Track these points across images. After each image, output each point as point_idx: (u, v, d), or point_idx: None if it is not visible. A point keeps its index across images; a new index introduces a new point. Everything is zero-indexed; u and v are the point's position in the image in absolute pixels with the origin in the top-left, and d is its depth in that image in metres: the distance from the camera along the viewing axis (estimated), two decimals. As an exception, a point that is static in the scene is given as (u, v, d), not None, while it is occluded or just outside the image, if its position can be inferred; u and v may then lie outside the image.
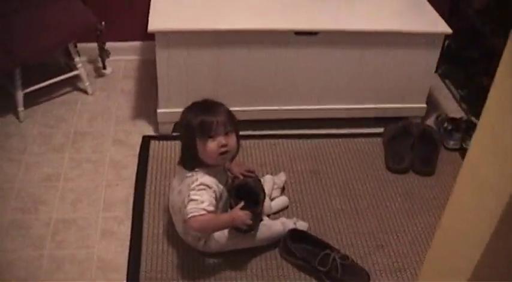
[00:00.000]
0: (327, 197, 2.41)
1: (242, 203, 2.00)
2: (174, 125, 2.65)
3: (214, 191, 1.95)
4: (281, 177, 2.39)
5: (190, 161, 2.01)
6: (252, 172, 2.24)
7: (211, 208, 1.91)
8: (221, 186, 2.02)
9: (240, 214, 1.95)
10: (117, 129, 2.74)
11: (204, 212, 1.88)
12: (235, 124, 2.02)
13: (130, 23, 3.09)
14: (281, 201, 2.34)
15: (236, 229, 2.03)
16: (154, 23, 2.37)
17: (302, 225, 2.22)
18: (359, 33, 2.48)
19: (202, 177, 1.96)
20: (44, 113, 2.81)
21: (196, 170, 1.99)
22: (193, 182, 1.95)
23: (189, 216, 1.89)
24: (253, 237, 2.08)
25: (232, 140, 2.00)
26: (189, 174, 2.00)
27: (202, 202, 1.89)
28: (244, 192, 2.08)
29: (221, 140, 1.95)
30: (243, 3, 2.57)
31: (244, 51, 2.46)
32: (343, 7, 2.62)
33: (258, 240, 2.10)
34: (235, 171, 2.21)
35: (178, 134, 2.05)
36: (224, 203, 2.07)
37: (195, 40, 2.41)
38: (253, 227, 2.04)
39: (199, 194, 1.91)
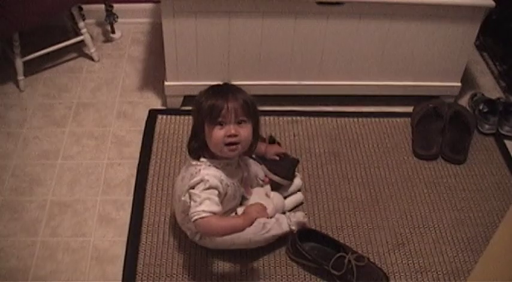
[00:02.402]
0: (345, 185, 2.20)
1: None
2: (184, 98, 2.46)
3: (217, 188, 1.74)
4: (297, 183, 2.16)
5: (197, 148, 1.79)
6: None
7: (215, 208, 1.70)
8: (230, 182, 1.80)
9: (253, 212, 1.76)
10: (123, 100, 2.54)
11: (205, 215, 1.68)
12: (253, 115, 1.77)
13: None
14: (295, 198, 2.12)
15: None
16: (159, -12, 2.15)
17: (298, 216, 1.98)
18: (388, 3, 2.20)
19: (205, 169, 1.75)
20: (46, 82, 2.62)
21: (202, 159, 1.78)
22: (196, 173, 1.75)
23: (192, 219, 1.70)
24: (248, 238, 1.87)
25: (245, 131, 1.74)
26: (194, 162, 1.80)
27: (200, 203, 1.68)
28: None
29: (230, 128, 1.71)
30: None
31: (258, 20, 2.22)
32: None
33: (254, 241, 1.89)
34: (270, 155, 2.09)
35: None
36: (232, 198, 1.86)
37: (204, 8, 2.17)
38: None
39: (198, 195, 1.70)
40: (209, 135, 1.73)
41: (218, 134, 1.71)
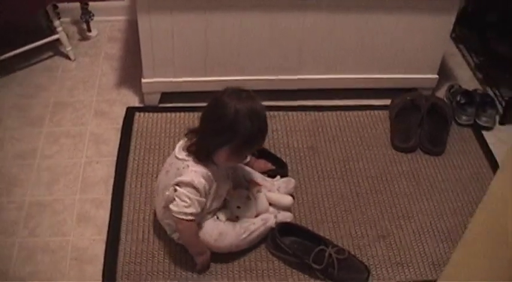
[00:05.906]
0: (324, 179, 2.20)
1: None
2: (161, 95, 2.45)
3: (204, 189, 1.74)
4: (290, 184, 2.11)
5: (205, 152, 1.75)
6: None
7: (199, 210, 1.75)
8: (214, 181, 1.79)
9: (206, 258, 1.86)
10: (100, 99, 2.52)
11: (191, 218, 1.74)
12: None
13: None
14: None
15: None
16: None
17: (285, 216, 1.99)
18: (365, -4, 2.22)
19: (193, 166, 1.74)
20: (21, 82, 2.59)
21: (190, 157, 1.76)
22: (184, 168, 1.74)
23: (177, 216, 1.73)
24: (229, 242, 1.87)
25: None
26: (181, 156, 1.78)
27: (189, 206, 1.72)
28: None
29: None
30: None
31: (235, 16, 2.21)
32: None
33: (235, 245, 1.88)
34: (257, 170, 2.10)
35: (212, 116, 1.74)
36: (217, 196, 1.86)
37: (180, 3, 2.16)
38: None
39: (188, 196, 1.71)
40: (231, 156, 1.73)
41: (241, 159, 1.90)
